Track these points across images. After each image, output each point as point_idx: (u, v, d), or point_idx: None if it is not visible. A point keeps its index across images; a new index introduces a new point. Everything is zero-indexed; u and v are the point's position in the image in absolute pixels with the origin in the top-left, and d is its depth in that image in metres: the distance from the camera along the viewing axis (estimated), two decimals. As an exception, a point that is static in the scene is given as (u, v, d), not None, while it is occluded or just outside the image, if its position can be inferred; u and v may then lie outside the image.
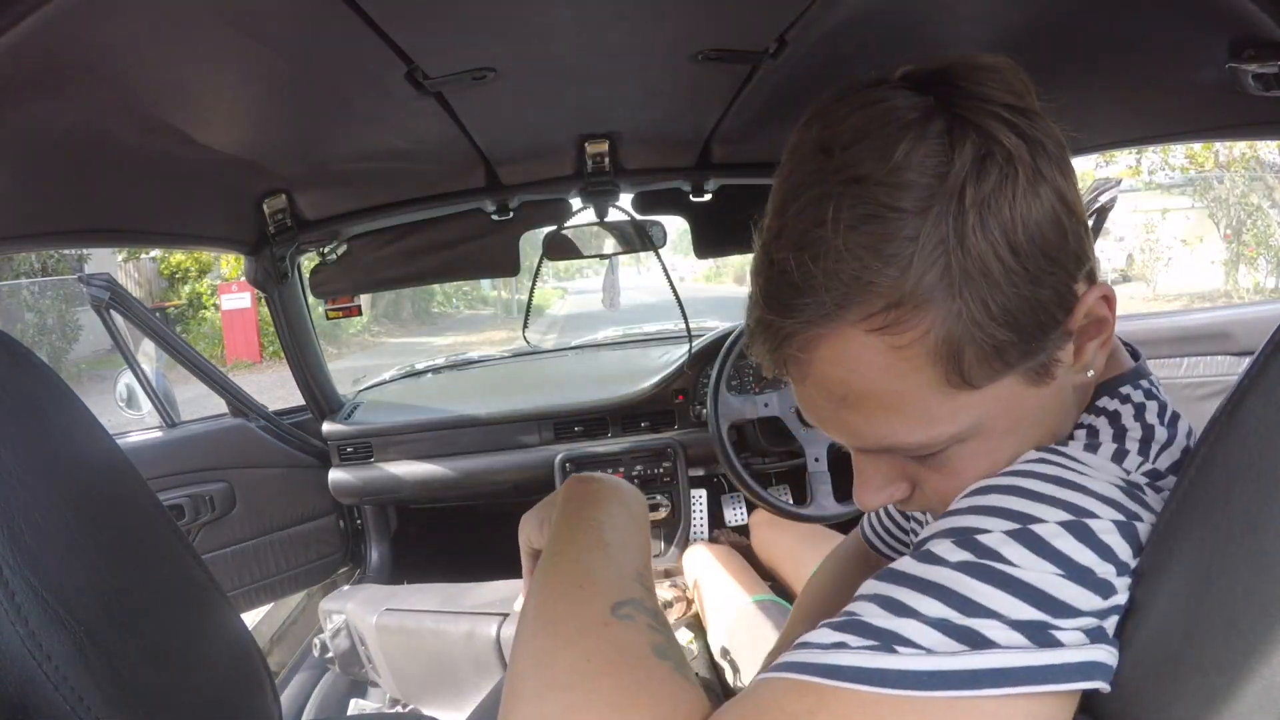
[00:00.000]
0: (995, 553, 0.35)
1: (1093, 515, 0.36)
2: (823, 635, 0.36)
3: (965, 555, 0.36)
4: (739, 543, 1.58)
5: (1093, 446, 0.42)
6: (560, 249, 1.41)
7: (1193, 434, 0.44)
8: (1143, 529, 0.38)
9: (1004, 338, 0.38)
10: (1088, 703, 0.38)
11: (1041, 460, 0.40)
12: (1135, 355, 0.50)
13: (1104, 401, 0.45)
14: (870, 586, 0.38)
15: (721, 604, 1.21)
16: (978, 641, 0.33)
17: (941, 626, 0.34)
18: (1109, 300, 0.42)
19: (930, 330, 0.37)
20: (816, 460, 1.40)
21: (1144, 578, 0.37)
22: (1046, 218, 0.38)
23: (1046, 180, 0.38)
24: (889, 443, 0.42)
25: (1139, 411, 0.44)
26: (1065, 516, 0.36)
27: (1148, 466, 0.41)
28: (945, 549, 0.37)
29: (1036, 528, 0.36)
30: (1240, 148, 8.40)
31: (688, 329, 1.58)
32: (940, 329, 0.37)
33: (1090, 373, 0.43)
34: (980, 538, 0.36)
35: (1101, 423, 0.44)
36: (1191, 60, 0.65)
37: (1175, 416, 0.45)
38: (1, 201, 0.81)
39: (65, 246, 1.37)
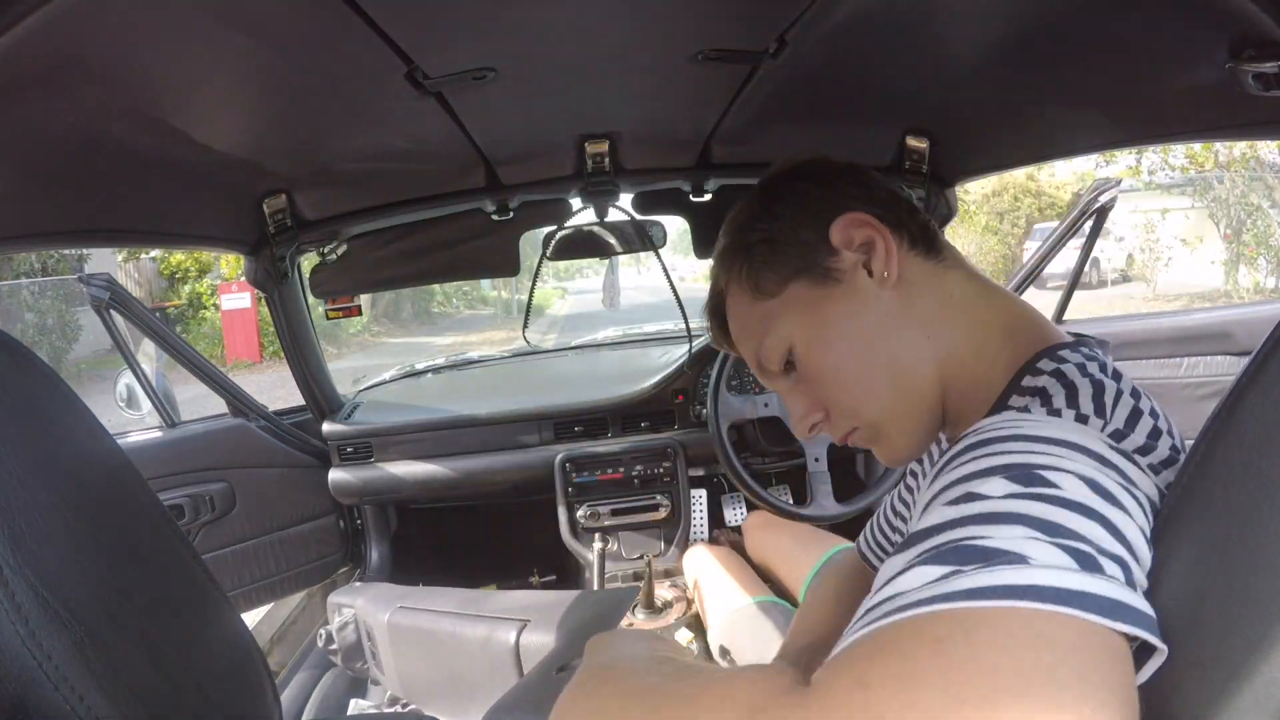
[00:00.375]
0: (1045, 480, 0.35)
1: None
2: (923, 574, 0.34)
3: (1013, 488, 0.36)
4: (739, 543, 1.58)
5: (1055, 412, 0.43)
6: (560, 249, 1.41)
7: (1141, 395, 0.45)
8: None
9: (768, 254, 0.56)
10: None
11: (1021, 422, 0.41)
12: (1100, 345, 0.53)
13: (1043, 364, 0.49)
14: (920, 544, 0.36)
15: (721, 604, 1.21)
16: (1087, 562, 0.32)
17: (1049, 543, 0.32)
18: (861, 221, 0.54)
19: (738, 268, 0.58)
20: (816, 460, 1.40)
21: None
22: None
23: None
24: (755, 365, 0.59)
25: (1082, 369, 0.47)
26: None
27: (1110, 428, 0.42)
28: (988, 487, 0.36)
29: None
30: (1240, 148, 8.40)
31: (688, 329, 1.58)
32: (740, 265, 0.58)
33: (886, 274, 0.53)
34: (1013, 475, 0.36)
35: (1049, 383, 0.46)
36: (1191, 60, 0.65)
37: (1117, 372, 0.47)
38: (1, 201, 0.81)
39: (65, 246, 1.37)
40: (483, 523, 1.93)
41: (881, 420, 0.56)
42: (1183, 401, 1.53)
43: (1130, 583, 0.33)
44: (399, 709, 1.32)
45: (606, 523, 1.56)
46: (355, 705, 1.44)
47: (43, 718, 0.32)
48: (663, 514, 1.58)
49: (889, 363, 0.54)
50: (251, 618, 1.73)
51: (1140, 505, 0.37)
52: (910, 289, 0.54)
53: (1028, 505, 0.34)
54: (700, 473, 1.67)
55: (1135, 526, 0.35)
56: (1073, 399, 0.44)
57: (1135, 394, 0.45)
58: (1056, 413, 0.44)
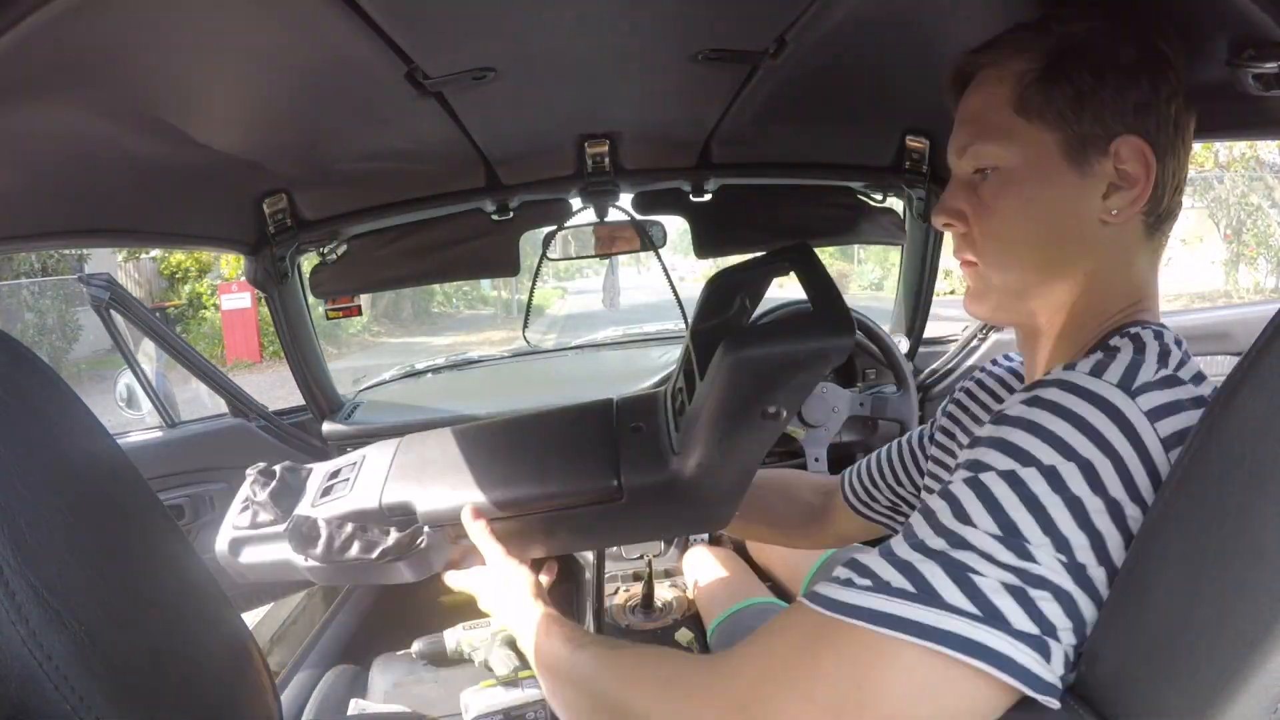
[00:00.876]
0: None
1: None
2: (876, 569, 0.44)
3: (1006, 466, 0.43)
4: (739, 543, 1.58)
5: (1104, 365, 0.45)
6: (560, 249, 1.41)
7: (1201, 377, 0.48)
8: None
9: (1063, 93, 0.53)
10: (1083, 690, 0.38)
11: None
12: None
13: (1133, 327, 0.53)
14: (918, 528, 0.45)
15: (721, 606, 1.21)
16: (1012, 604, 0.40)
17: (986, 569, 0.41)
18: (1146, 159, 0.52)
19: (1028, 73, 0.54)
20: (816, 460, 1.40)
21: (1138, 567, 0.37)
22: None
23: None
24: (956, 148, 0.59)
25: (1159, 337, 0.51)
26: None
27: (1165, 373, 0.45)
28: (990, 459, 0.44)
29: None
30: (1240, 148, 8.40)
31: (688, 329, 1.58)
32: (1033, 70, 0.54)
33: (1114, 212, 0.53)
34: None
35: (1124, 343, 0.51)
36: (1191, 60, 0.65)
37: (1188, 353, 0.51)
38: (1, 201, 0.81)
39: (65, 246, 1.37)
40: (482, 523, 1.93)
41: (995, 284, 0.58)
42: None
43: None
44: (400, 709, 1.32)
45: (606, 523, 1.56)
46: (355, 705, 1.44)
47: (43, 718, 0.32)
48: (663, 514, 1.58)
49: (1054, 259, 0.55)
50: (251, 618, 1.73)
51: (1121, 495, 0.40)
52: (1116, 236, 0.54)
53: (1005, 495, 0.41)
54: (700, 473, 1.67)
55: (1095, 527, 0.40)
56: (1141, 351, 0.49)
57: (1199, 378, 0.48)
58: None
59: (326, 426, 1.65)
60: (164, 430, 1.50)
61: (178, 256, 10.87)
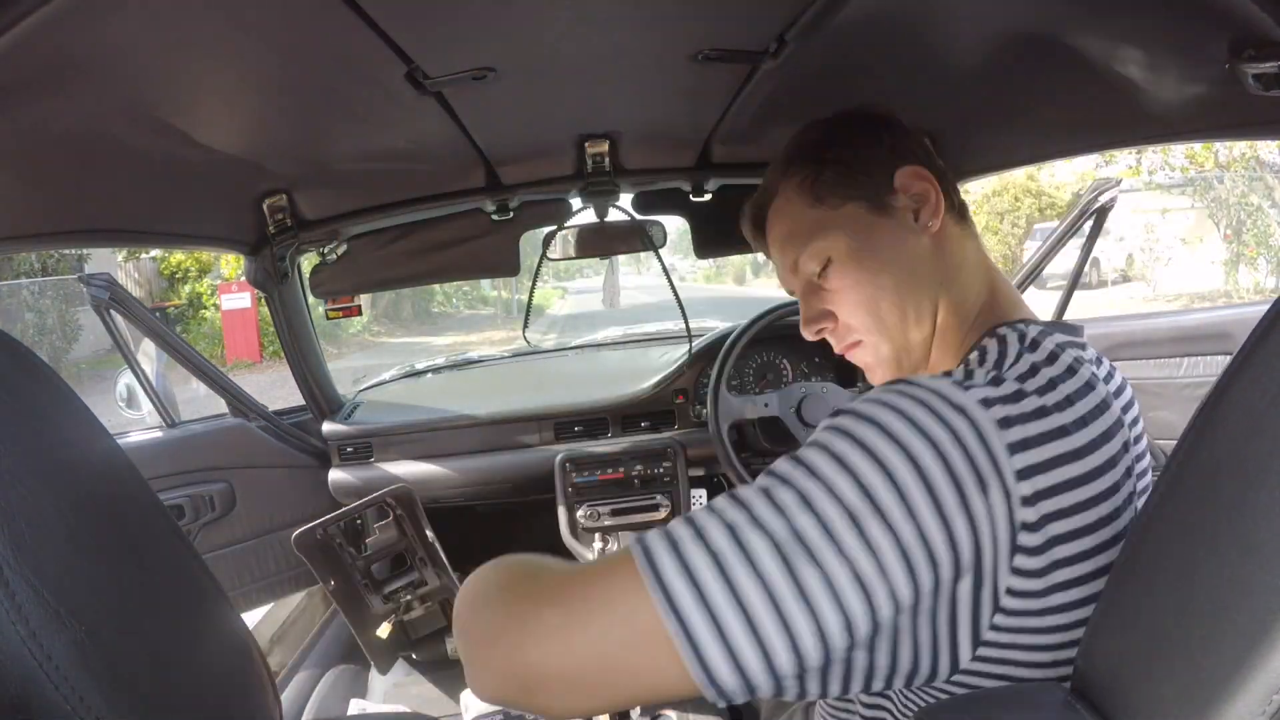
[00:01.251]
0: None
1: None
2: (697, 513, 0.46)
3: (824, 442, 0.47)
4: None
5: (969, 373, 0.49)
6: (560, 249, 1.41)
7: (1077, 374, 0.48)
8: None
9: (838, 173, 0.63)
10: (1080, 685, 0.38)
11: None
12: (1076, 330, 0.58)
13: (1001, 330, 0.56)
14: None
15: None
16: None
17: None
18: (922, 175, 0.62)
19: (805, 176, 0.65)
20: (816, 460, 1.40)
21: (1133, 563, 0.37)
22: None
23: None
24: (788, 265, 0.67)
25: (1021, 338, 0.54)
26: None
27: (992, 392, 0.46)
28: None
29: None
30: (1240, 148, 8.40)
31: (688, 329, 1.58)
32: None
33: (931, 224, 0.61)
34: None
35: (990, 344, 0.55)
36: (1191, 60, 0.65)
37: (1055, 352, 0.50)
38: (1, 201, 0.81)
39: (65, 246, 1.37)
40: (482, 523, 1.93)
41: (880, 340, 0.64)
42: (1182, 401, 1.53)
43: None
44: (400, 709, 1.32)
45: (606, 523, 1.56)
46: (355, 705, 1.44)
47: (43, 718, 0.32)
48: (663, 514, 1.58)
49: (908, 294, 0.62)
50: (251, 618, 1.73)
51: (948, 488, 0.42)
52: (941, 242, 0.63)
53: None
54: (700, 473, 1.67)
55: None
56: (983, 359, 0.53)
57: (1070, 371, 0.48)
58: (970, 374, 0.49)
59: (326, 426, 1.65)
60: (164, 430, 1.50)
61: (178, 256, 10.87)
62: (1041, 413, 0.45)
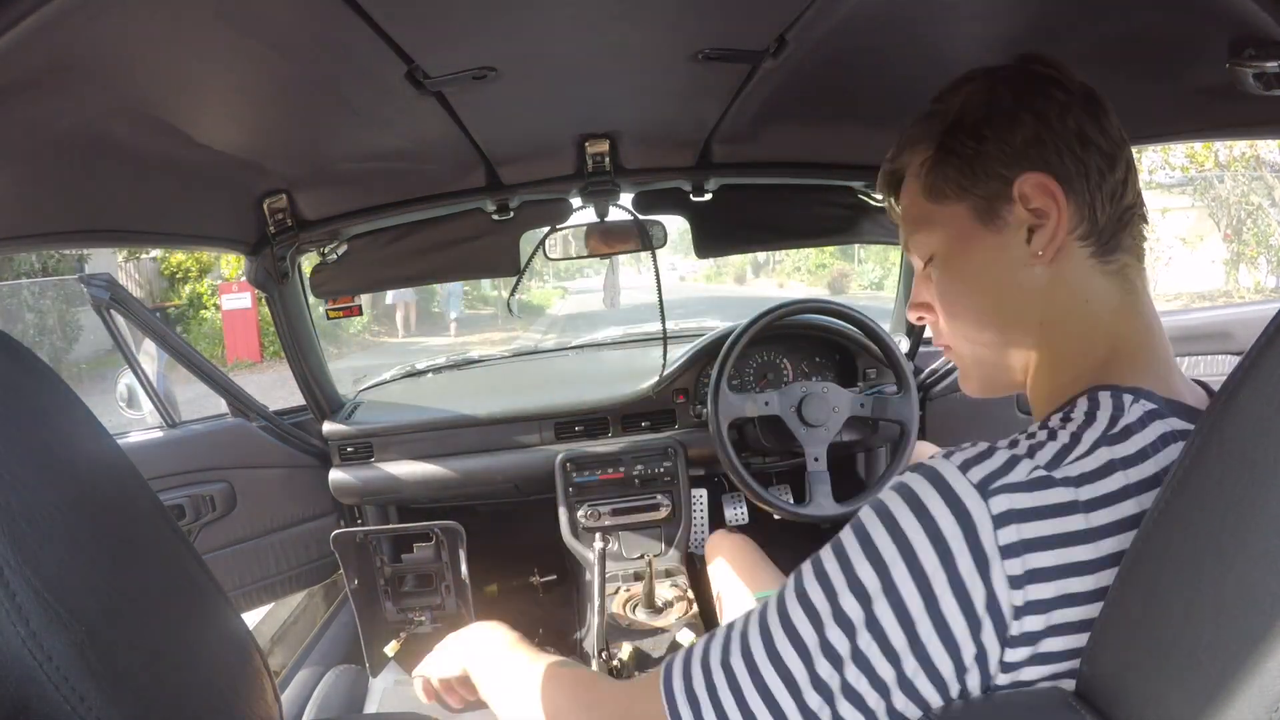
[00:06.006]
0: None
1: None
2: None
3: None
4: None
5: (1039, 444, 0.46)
6: (560, 248, 1.41)
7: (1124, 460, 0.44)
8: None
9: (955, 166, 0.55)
10: (1084, 689, 0.38)
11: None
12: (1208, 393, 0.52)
13: (1102, 391, 0.49)
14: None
15: (731, 597, 1.22)
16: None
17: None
18: (1046, 190, 0.51)
19: (926, 163, 0.57)
20: (816, 460, 1.40)
21: (1139, 567, 0.37)
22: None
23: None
24: (905, 234, 0.61)
25: (1108, 409, 0.47)
26: None
27: (1040, 473, 0.43)
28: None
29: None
30: (1240, 148, 8.40)
31: (664, 331, 1.60)
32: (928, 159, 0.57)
33: (1040, 252, 0.51)
34: None
35: (1080, 407, 0.49)
36: (1191, 60, 0.65)
37: (1129, 428, 0.45)
38: (1, 201, 0.81)
39: (65, 246, 1.37)
40: (483, 523, 1.93)
41: (970, 361, 0.60)
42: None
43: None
44: (399, 709, 1.32)
45: (607, 522, 1.56)
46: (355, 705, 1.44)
47: (43, 718, 0.32)
48: (663, 514, 1.58)
49: (1001, 324, 0.55)
50: (251, 618, 1.73)
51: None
52: (1058, 275, 0.52)
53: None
54: (701, 472, 1.67)
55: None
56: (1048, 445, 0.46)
57: (1142, 455, 0.43)
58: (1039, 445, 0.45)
59: (327, 426, 1.65)
60: (164, 430, 1.50)
61: (178, 256, 10.87)
62: (1071, 508, 0.42)
